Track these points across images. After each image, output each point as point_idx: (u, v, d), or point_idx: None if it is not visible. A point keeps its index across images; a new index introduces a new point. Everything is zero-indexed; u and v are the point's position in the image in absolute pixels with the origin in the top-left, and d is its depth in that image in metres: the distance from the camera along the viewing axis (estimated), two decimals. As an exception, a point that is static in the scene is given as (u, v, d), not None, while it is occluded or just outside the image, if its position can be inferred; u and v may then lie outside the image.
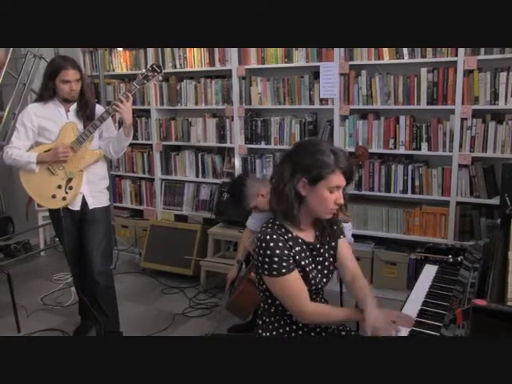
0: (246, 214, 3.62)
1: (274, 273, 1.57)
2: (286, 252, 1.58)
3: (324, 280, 1.72)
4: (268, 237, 1.58)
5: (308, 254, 1.67)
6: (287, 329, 1.69)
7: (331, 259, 1.75)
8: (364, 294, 1.64)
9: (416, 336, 1.54)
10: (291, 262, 1.59)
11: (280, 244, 1.58)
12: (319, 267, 1.71)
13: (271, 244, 1.57)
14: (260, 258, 1.60)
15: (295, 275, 1.60)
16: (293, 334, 1.68)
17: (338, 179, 1.58)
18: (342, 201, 1.61)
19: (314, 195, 1.59)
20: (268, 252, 1.57)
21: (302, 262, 1.63)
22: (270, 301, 1.69)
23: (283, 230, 1.63)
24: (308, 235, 1.70)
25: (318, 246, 1.72)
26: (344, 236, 1.81)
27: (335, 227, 1.76)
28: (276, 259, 1.57)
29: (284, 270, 1.57)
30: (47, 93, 2.65)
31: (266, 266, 1.58)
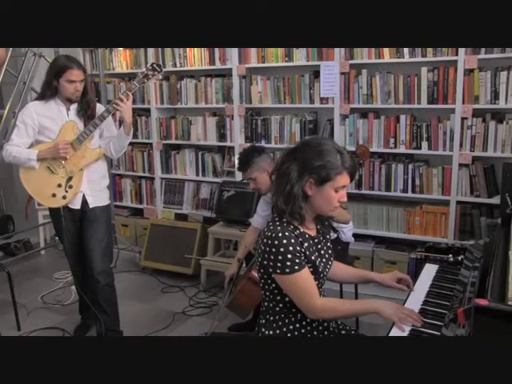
0: (247, 213, 3.63)
1: (287, 270, 1.58)
2: (297, 248, 1.60)
3: (326, 270, 1.76)
4: (280, 234, 1.59)
5: (314, 248, 1.70)
6: (291, 327, 1.69)
7: (329, 251, 1.81)
8: (358, 270, 1.92)
9: (417, 335, 1.54)
10: (302, 258, 1.61)
11: (292, 241, 1.59)
12: (323, 259, 1.74)
13: (284, 241, 1.58)
14: (272, 257, 1.59)
15: (306, 272, 1.62)
16: (296, 333, 1.69)
17: (344, 180, 1.62)
18: (345, 199, 1.65)
19: (321, 195, 1.62)
20: (281, 249, 1.58)
21: (312, 257, 1.66)
22: (278, 298, 1.69)
23: (292, 227, 1.64)
24: (311, 230, 1.73)
25: (321, 238, 1.76)
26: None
27: (331, 221, 1.86)
28: (289, 256, 1.58)
29: (297, 267, 1.59)
30: (49, 91, 2.64)
31: (279, 264, 1.59)
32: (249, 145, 3.52)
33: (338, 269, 1.91)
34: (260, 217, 2.84)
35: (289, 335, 1.69)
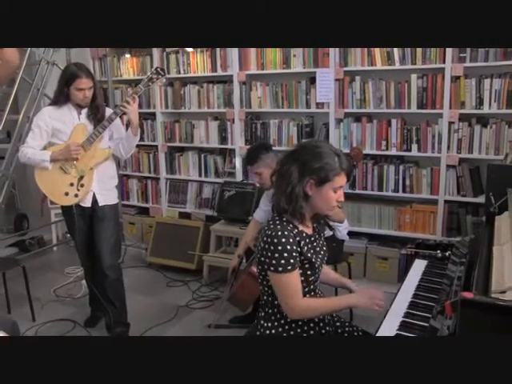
0: (247, 212, 3.64)
1: (280, 269, 1.58)
2: (294, 248, 1.59)
3: (321, 266, 1.76)
4: (280, 233, 1.59)
5: (310, 245, 1.70)
6: (288, 319, 1.70)
7: (324, 247, 1.81)
8: (339, 277, 1.95)
9: (407, 326, 1.55)
10: (297, 259, 1.61)
11: (291, 240, 1.59)
12: (318, 255, 1.74)
13: (283, 240, 1.58)
14: (269, 254, 1.59)
15: (296, 273, 1.61)
16: (293, 325, 1.70)
17: (341, 180, 1.63)
18: (342, 198, 1.66)
19: (320, 195, 1.62)
20: (279, 248, 1.57)
21: (308, 254, 1.66)
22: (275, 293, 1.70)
23: (291, 226, 1.64)
24: (308, 228, 1.73)
25: (316, 236, 1.76)
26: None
27: (327, 220, 1.86)
28: (286, 255, 1.57)
29: (289, 267, 1.58)
30: (62, 97, 2.66)
31: (274, 262, 1.58)
32: (258, 143, 3.54)
33: (324, 273, 1.88)
34: (262, 211, 2.86)
35: (286, 327, 1.70)
